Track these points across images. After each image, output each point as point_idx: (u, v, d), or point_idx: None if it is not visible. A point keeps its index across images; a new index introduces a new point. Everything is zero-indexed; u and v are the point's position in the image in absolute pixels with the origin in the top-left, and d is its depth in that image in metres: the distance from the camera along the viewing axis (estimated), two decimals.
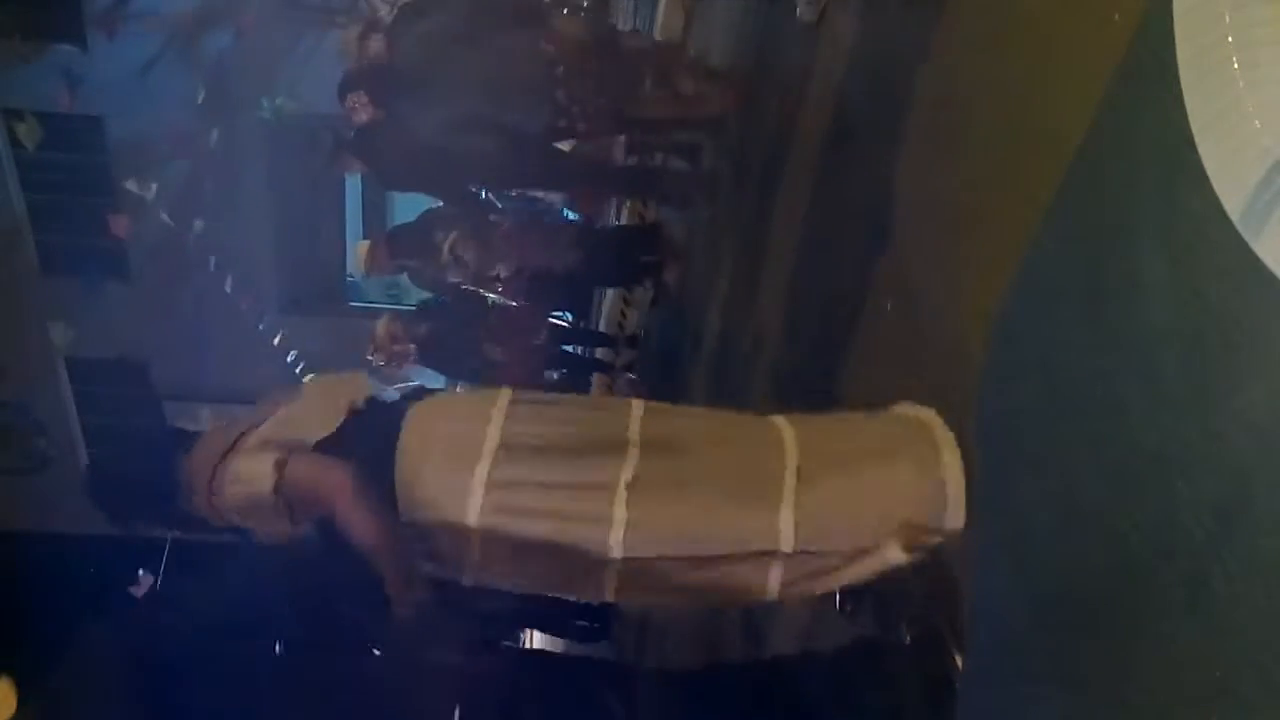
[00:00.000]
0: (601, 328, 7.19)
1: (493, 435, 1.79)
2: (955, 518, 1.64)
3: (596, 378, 7.26)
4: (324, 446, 1.86)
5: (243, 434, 1.86)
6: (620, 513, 1.74)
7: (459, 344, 5.49)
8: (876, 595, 2.20)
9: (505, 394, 1.87)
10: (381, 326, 5.35)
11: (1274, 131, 0.80)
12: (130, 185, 9.51)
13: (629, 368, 6.48)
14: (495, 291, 5.52)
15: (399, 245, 5.17)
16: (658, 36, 5.53)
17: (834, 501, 1.70)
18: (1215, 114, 0.84)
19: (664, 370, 5.39)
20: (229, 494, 1.85)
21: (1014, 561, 1.28)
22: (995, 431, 1.38)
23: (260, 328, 9.79)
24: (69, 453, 11.95)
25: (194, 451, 1.94)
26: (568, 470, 1.78)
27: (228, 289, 9.76)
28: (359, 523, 1.86)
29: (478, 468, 1.78)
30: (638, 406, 1.86)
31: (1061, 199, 1.26)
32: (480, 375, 5.46)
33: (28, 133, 9.66)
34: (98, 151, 10.54)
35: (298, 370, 9.65)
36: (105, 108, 10.19)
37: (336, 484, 1.84)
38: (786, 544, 1.70)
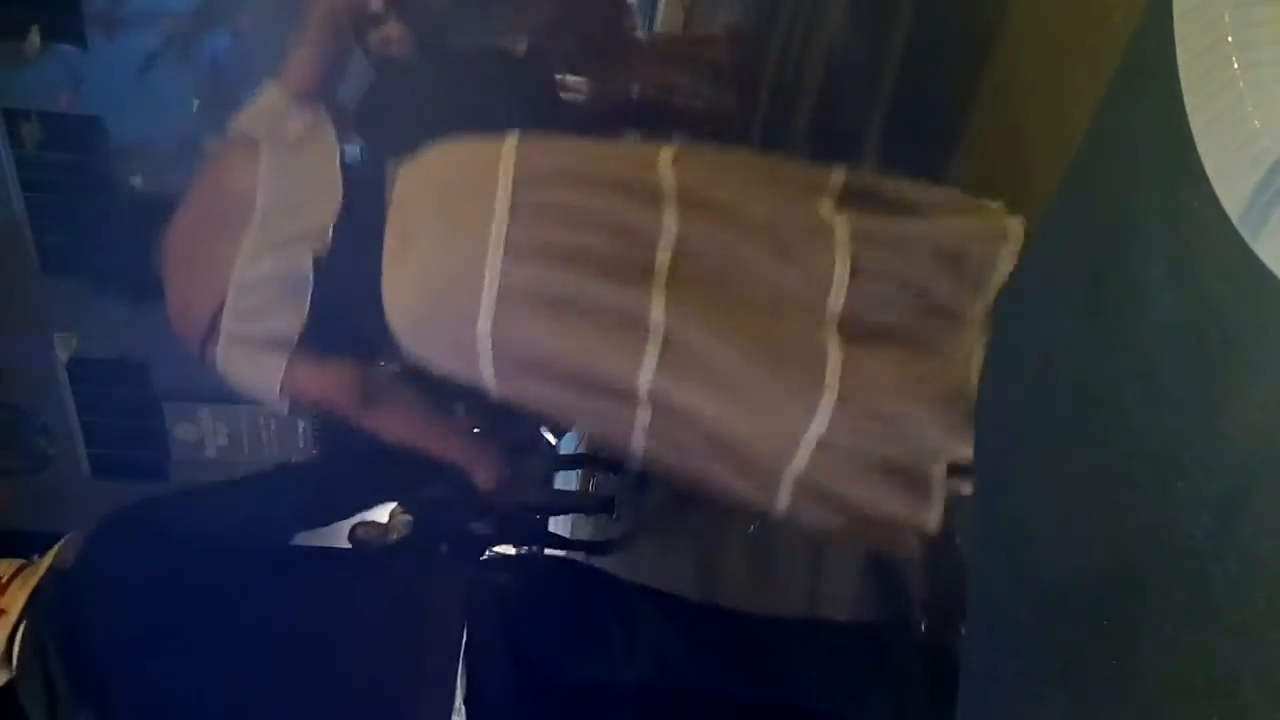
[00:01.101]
0: None
1: (490, 282, 1.56)
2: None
3: None
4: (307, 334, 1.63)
5: (217, 312, 1.65)
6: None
7: None
8: (892, 580, 2.18)
9: (503, 214, 1.59)
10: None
11: (1274, 131, 0.80)
12: (135, 183, 9.53)
13: None
14: None
15: None
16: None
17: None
18: (1215, 114, 0.84)
19: None
20: (225, 375, 1.70)
21: (1014, 561, 1.28)
22: (995, 431, 1.38)
23: None
24: (69, 453, 11.94)
25: (169, 295, 1.72)
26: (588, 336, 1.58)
27: None
28: (387, 430, 1.74)
29: (479, 321, 1.57)
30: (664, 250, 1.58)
31: (1061, 199, 1.26)
32: None
33: (28, 133, 9.66)
34: (98, 151, 10.55)
35: None
36: (105, 108, 10.21)
37: (346, 402, 1.70)
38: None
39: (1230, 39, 0.82)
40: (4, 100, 10.12)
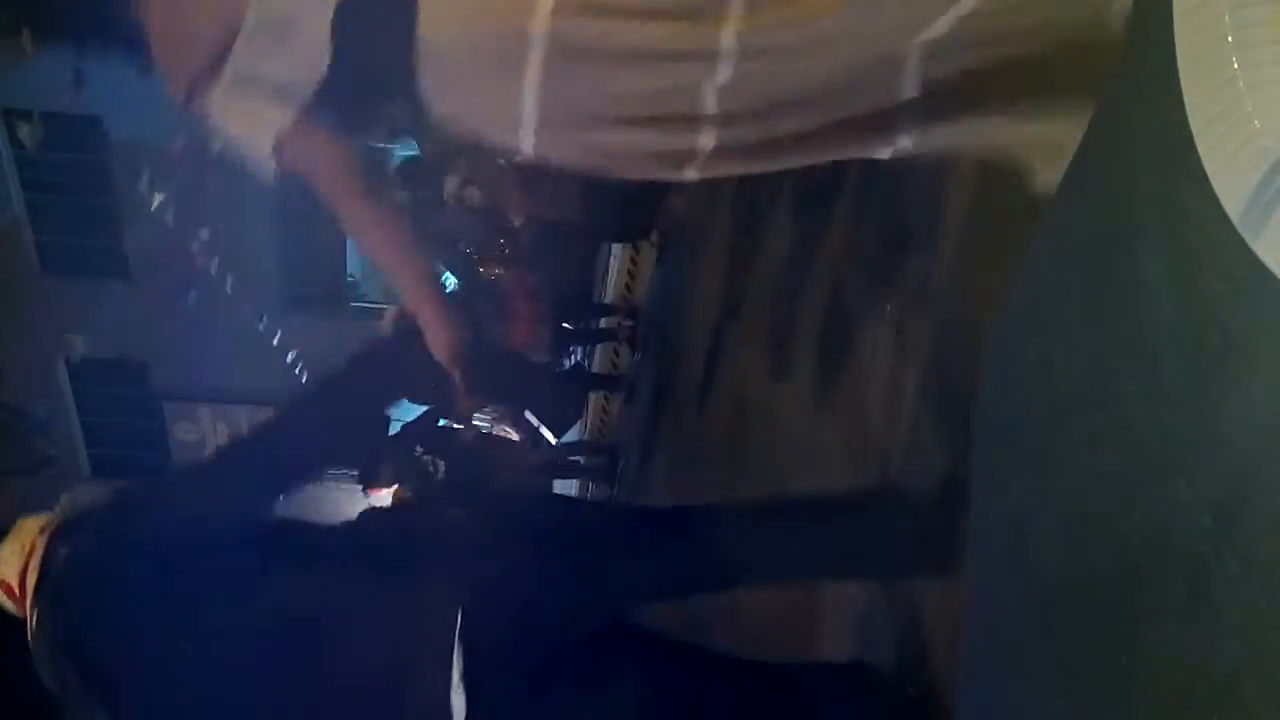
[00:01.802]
0: (608, 296, 7.35)
1: (537, 39, 1.35)
2: None
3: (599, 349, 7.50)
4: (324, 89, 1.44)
5: (223, 50, 1.47)
6: None
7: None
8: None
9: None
10: (389, 319, 5.55)
11: (1274, 131, 0.80)
12: (141, 187, 9.55)
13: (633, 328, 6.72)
14: (500, 252, 5.60)
15: (405, 175, 5.22)
16: None
17: None
18: (1215, 114, 0.84)
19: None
20: (214, 123, 1.57)
21: (1014, 561, 1.28)
22: (995, 431, 1.38)
23: (260, 328, 9.79)
24: (69, 453, 11.94)
25: (154, 29, 1.58)
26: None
27: (228, 289, 9.75)
28: (368, 238, 1.64)
29: (526, 79, 1.37)
30: None
31: (1061, 199, 1.26)
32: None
33: (28, 133, 9.66)
34: (98, 151, 10.56)
35: (298, 370, 9.63)
36: (105, 108, 10.21)
37: (340, 183, 1.59)
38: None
39: (1230, 39, 0.82)
40: (4, 100, 10.12)
